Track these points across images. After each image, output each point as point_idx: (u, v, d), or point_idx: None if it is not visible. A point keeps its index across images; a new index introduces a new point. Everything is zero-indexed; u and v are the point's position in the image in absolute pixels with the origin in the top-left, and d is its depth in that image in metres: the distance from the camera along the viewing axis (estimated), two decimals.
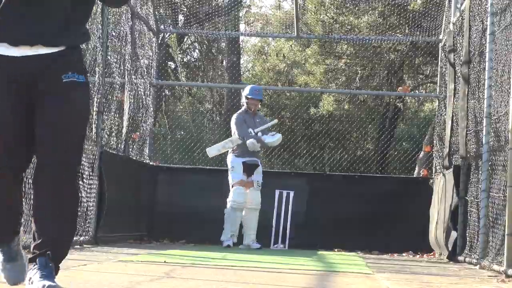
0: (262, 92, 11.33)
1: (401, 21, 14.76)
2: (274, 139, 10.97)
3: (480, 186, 8.05)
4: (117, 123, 10.50)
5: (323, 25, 15.90)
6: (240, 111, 11.16)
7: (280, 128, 18.27)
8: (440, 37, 12.19)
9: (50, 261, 3.82)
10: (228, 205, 10.75)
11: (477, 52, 8.68)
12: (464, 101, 9.02)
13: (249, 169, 10.82)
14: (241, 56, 23.03)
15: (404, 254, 11.15)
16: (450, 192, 9.42)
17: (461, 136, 9.06)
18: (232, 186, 10.77)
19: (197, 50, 23.84)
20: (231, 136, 11.08)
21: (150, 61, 12.37)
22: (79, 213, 8.76)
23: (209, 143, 14.96)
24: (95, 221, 9.23)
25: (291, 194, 11.60)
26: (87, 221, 9.06)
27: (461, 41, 9.62)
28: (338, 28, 16.00)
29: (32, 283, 3.80)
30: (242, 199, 10.71)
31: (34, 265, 3.84)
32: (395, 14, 15.04)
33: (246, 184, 10.81)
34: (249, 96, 10.97)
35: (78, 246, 8.64)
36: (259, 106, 11.43)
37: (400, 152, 16.55)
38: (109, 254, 7.62)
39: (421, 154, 15.85)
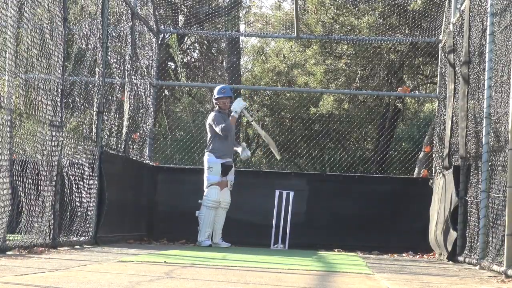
0: (230, 89, 11.21)
1: (401, 22, 14.76)
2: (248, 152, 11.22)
3: (480, 186, 8.05)
4: (117, 123, 10.51)
5: (323, 26, 15.90)
6: (215, 110, 10.99)
7: (280, 129, 18.28)
8: (440, 37, 12.19)
9: None
10: (205, 205, 10.73)
11: (477, 53, 8.68)
12: (464, 101, 9.02)
13: (225, 170, 10.87)
14: (241, 56, 23.03)
15: (404, 254, 11.15)
16: (450, 192, 9.42)
17: (461, 136, 9.06)
18: (208, 186, 10.78)
19: (197, 51, 23.83)
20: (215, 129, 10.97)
21: (150, 62, 12.37)
22: (79, 213, 8.80)
23: None
24: (95, 221, 9.23)
25: (291, 194, 11.61)
26: (87, 221, 9.06)
27: (461, 41, 9.62)
28: (338, 29, 16.01)
29: None
30: (219, 198, 10.75)
31: None
32: (395, 15, 15.05)
33: (220, 184, 10.85)
34: (218, 96, 10.90)
35: (78, 246, 8.65)
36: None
37: (400, 153, 16.55)
38: (109, 254, 7.62)
39: (421, 154, 15.87)
